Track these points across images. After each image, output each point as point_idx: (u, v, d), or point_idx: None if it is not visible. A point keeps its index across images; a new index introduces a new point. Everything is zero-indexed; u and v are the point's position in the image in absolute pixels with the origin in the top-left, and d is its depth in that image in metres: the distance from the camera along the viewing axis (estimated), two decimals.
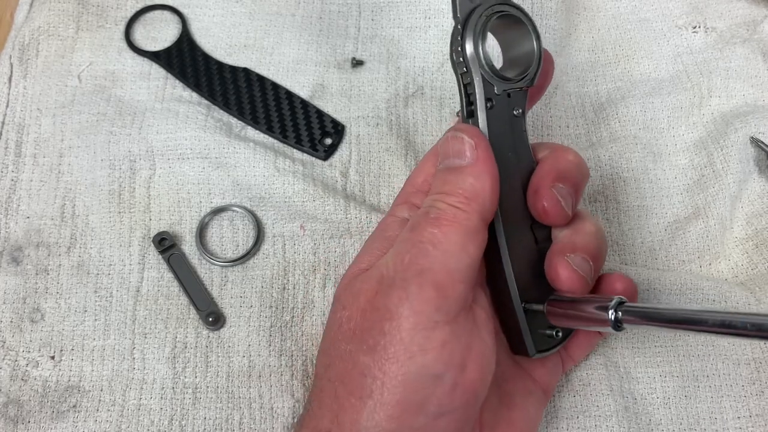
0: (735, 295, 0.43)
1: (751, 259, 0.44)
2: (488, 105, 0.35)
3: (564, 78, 0.52)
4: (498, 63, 0.38)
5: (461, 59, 0.35)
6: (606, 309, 0.32)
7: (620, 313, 0.31)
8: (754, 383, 0.41)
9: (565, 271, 0.35)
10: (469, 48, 0.35)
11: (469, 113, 0.36)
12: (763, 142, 0.46)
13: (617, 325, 0.32)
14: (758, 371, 0.41)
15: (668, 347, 0.42)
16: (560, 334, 0.37)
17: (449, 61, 0.37)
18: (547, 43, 0.52)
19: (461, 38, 0.35)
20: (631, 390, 0.41)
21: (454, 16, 0.36)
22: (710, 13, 0.53)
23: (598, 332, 0.40)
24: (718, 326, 0.27)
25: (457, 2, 0.35)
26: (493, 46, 0.39)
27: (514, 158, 0.37)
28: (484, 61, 0.35)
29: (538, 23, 0.52)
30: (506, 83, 0.36)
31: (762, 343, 0.42)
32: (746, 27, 0.52)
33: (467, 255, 0.32)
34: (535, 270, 0.37)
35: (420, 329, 0.30)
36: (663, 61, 0.52)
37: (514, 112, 0.37)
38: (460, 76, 0.36)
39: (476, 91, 0.35)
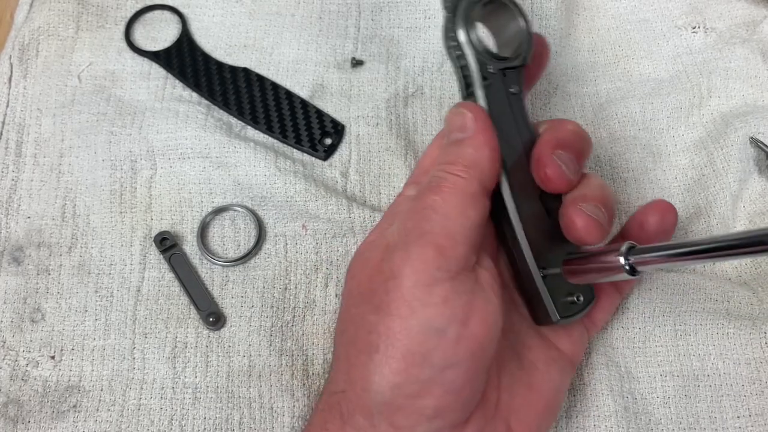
0: (738, 295, 0.43)
1: (754, 259, 0.44)
2: (484, 83, 0.37)
3: (563, 78, 0.52)
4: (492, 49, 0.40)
5: (454, 43, 0.38)
6: (618, 256, 0.32)
7: (632, 257, 0.32)
8: (754, 383, 0.41)
9: (581, 219, 0.35)
10: (460, 31, 0.38)
11: (468, 95, 0.38)
12: (762, 142, 0.46)
13: (632, 270, 0.32)
14: (758, 371, 0.41)
15: (668, 347, 0.42)
16: (581, 298, 0.37)
17: (446, 54, 0.39)
18: None
19: (453, 24, 0.38)
20: (631, 390, 0.41)
21: (444, 6, 0.38)
22: (710, 14, 0.53)
23: (618, 293, 0.41)
24: (732, 247, 0.27)
25: None
26: (484, 37, 0.40)
27: (517, 133, 0.38)
28: (476, 42, 0.38)
29: (537, 24, 0.52)
30: (500, 62, 0.38)
31: None
32: (746, 27, 0.52)
33: (467, 218, 0.33)
34: (549, 239, 0.37)
35: (421, 286, 0.32)
36: (662, 62, 0.52)
37: (511, 90, 0.38)
38: (456, 59, 0.38)
39: (471, 69, 0.37)
